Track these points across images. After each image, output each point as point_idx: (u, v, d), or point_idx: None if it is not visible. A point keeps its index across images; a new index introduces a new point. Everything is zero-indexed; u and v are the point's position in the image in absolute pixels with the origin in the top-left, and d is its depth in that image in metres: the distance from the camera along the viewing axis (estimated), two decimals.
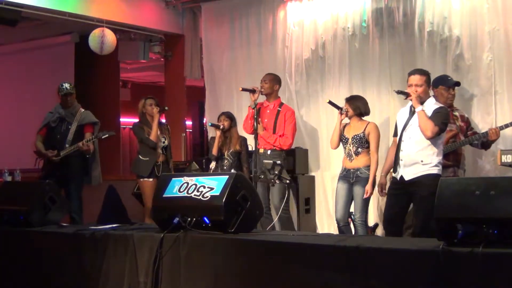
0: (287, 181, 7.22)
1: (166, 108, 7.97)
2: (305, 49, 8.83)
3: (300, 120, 8.56)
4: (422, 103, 5.74)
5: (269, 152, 7.51)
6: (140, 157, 7.83)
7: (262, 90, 7.62)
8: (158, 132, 7.73)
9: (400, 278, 3.72)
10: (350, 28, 8.44)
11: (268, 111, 7.67)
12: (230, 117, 7.88)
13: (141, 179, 7.77)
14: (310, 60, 8.80)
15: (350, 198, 6.91)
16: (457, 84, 6.81)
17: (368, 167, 6.83)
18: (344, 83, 8.48)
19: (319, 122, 8.59)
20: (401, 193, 5.80)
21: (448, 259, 3.54)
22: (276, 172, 7.13)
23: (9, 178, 7.97)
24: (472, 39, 7.55)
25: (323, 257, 4.04)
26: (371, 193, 6.80)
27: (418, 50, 7.89)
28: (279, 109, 7.65)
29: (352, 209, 7.08)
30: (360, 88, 8.31)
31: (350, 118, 7.01)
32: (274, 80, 7.71)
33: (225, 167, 7.69)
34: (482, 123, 7.23)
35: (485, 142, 6.67)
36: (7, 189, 6.41)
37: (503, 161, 6.36)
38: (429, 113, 5.69)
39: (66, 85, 7.72)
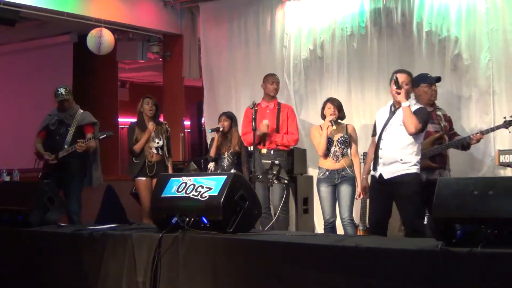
0: (286, 181, 7.23)
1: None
2: (303, 49, 8.83)
3: (299, 120, 8.54)
4: None
5: (272, 151, 7.50)
6: (133, 159, 7.88)
7: (275, 92, 7.67)
8: (154, 133, 7.75)
9: (398, 278, 3.72)
10: (348, 28, 8.44)
11: (267, 111, 7.67)
12: (231, 117, 7.88)
13: (135, 179, 7.83)
14: (309, 60, 8.81)
15: (335, 199, 6.97)
16: (438, 79, 6.79)
17: (351, 167, 6.92)
18: (343, 83, 8.48)
19: (317, 122, 8.55)
20: (384, 196, 5.83)
21: (446, 259, 3.54)
22: (275, 172, 7.14)
23: (7, 178, 7.96)
24: (470, 39, 7.55)
25: (322, 257, 4.04)
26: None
27: (416, 50, 7.90)
28: (278, 108, 7.66)
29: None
30: (359, 88, 8.33)
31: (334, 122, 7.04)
32: (279, 81, 7.78)
33: (225, 167, 7.69)
34: (480, 123, 7.24)
35: (466, 145, 6.69)
36: (6, 189, 6.39)
37: (501, 161, 6.37)
38: None
39: (62, 91, 7.64)
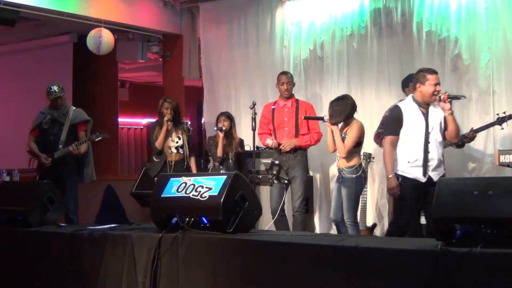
0: (286, 181, 7.23)
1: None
2: (303, 49, 8.84)
3: None
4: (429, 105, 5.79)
5: (292, 151, 7.48)
6: (153, 157, 7.92)
7: (286, 93, 7.64)
8: (172, 130, 7.76)
9: (398, 278, 3.72)
10: (348, 28, 8.45)
11: (286, 109, 7.65)
12: (230, 117, 7.89)
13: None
14: (308, 60, 8.81)
15: (341, 197, 6.93)
16: None
17: (350, 167, 6.74)
18: (342, 83, 8.48)
19: (317, 122, 8.57)
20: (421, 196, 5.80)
21: (446, 259, 3.54)
22: (274, 172, 7.14)
23: (7, 178, 7.97)
24: (470, 39, 7.56)
25: (322, 257, 4.04)
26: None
27: (416, 50, 7.90)
28: (297, 106, 7.64)
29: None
30: (359, 88, 8.33)
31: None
32: (292, 79, 7.78)
33: (230, 168, 7.68)
34: (480, 123, 7.23)
35: (460, 143, 6.70)
36: (6, 189, 6.40)
37: (501, 161, 6.39)
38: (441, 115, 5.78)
39: (55, 88, 7.65)
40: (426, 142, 5.75)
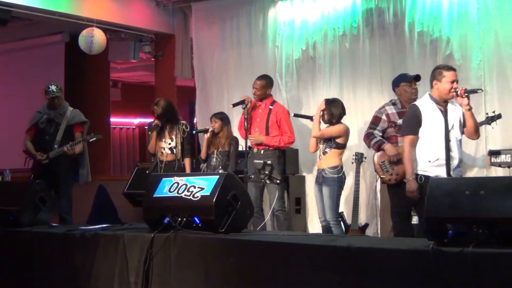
0: (278, 181, 7.23)
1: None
2: (295, 49, 8.84)
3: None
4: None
5: (262, 151, 7.52)
6: (152, 158, 7.95)
7: (255, 97, 7.66)
8: (165, 130, 7.75)
9: (390, 277, 3.73)
10: (340, 28, 8.46)
11: (260, 110, 7.68)
12: (221, 118, 7.88)
13: None
14: (301, 60, 8.81)
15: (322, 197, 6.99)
16: (417, 77, 6.64)
17: (333, 167, 6.84)
18: (335, 83, 8.49)
19: (309, 122, 8.58)
20: None
21: (438, 259, 3.55)
22: (267, 172, 7.14)
23: None
24: (462, 40, 7.58)
25: (314, 257, 4.04)
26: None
27: (408, 50, 7.92)
28: (270, 107, 7.65)
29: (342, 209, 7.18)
30: (351, 88, 8.34)
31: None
32: (265, 86, 7.70)
33: (212, 166, 7.69)
34: None
35: None
36: None
37: (492, 161, 6.40)
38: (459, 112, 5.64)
39: (53, 88, 7.64)
40: (447, 140, 5.57)
